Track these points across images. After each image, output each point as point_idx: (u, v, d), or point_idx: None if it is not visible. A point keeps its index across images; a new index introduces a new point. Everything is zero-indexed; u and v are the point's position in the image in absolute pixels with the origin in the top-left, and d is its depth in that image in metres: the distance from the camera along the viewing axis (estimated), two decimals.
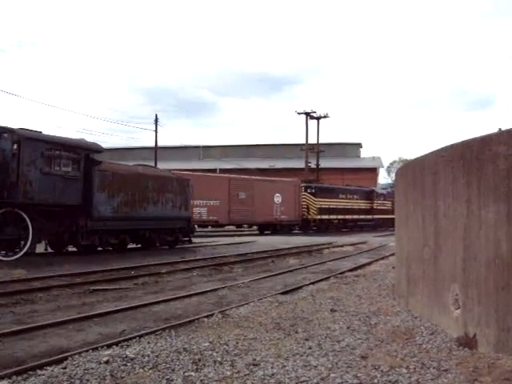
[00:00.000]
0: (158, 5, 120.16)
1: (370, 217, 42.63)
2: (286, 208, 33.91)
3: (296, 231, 36.23)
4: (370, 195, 43.42)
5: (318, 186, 38.31)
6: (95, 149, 16.25)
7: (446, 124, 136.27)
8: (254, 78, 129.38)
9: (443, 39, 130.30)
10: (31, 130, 14.27)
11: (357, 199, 41.61)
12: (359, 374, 4.08)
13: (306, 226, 36.36)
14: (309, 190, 36.76)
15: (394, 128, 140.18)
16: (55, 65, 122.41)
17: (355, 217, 41.03)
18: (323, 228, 37.02)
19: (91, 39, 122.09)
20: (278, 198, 33.59)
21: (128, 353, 4.81)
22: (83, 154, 15.33)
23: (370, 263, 14.23)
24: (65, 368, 4.40)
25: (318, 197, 36.70)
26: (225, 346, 5.02)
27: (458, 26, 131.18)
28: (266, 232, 33.30)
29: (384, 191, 46.08)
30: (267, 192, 32.54)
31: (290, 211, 34.30)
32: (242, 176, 34.27)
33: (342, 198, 39.51)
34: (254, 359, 4.56)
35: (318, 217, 36.53)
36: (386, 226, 43.85)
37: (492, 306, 4.55)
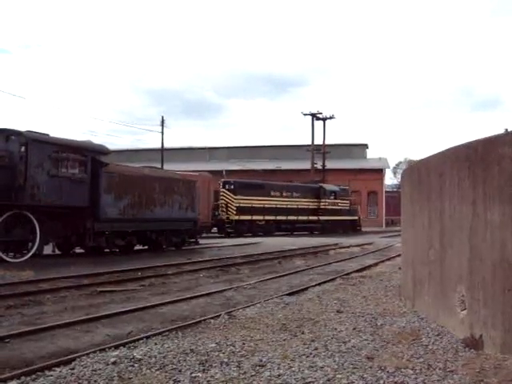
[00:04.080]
0: (162, 6, 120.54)
1: (315, 218, 37.08)
2: None
3: (208, 234, 29.32)
4: (316, 193, 37.64)
5: (239, 182, 33.19)
6: (102, 151, 16.33)
7: (453, 125, 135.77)
8: (259, 79, 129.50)
9: (449, 39, 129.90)
10: (38, 133, 14.37)
11: (297, 197, 36.17)
12: (365, 375, 4.09)
13: (221, 228, 31.60)
14: (227, 187, 31.95)
15: (400, 129, 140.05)
16: (61, 66, 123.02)
17: (292, 218, 35.32)
18: (245, 230, 31.77)
19: (97, 41, 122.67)
20: None
21: (135, 354, 4.84)
22: (90, 156, 15.39)
23: (376, 264, 14.22)
24: (73, 369, 4.43)
25: (239, 194, 31.76)
26: (231, 347, 5.04)
27: (464, 25, 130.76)
28: None
29: (337, 188, 39.85)
30: None
31: None
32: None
33: (274, 196, 34.29)
34: (261, 360, 4.58)
35: (236, 217, 31.24)
36: (338, 228, 37.92)
37: (498, 307, 4.55)
